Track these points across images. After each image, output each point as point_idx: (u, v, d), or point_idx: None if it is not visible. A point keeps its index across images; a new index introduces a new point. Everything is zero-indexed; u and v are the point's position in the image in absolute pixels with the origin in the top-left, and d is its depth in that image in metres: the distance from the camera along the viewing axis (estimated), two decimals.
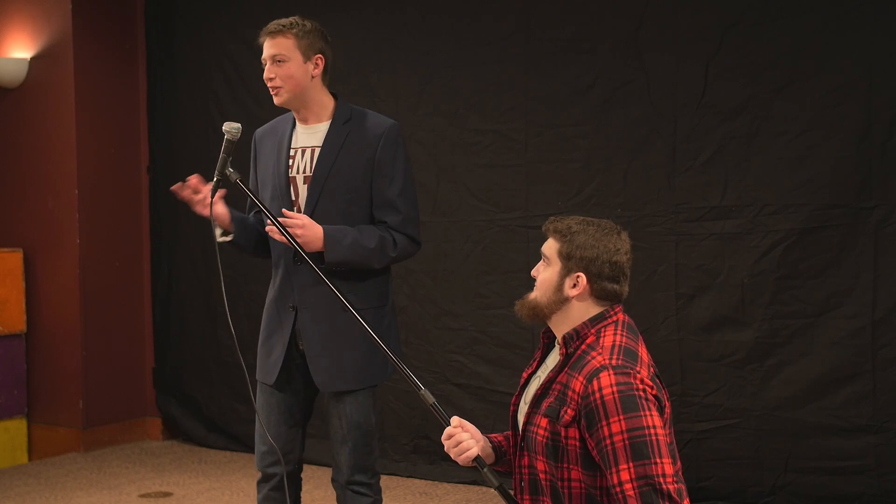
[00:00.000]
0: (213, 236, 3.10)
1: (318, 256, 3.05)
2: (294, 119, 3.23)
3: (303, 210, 3.14)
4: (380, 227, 3.13)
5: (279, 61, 3.10)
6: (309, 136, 3.19)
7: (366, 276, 3.13)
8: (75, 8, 5.68)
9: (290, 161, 3.18)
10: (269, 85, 3.14)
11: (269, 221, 3.00)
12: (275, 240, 3.15)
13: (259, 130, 3.34)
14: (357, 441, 3.15)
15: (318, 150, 3.15)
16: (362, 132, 3.14)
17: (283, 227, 2.98)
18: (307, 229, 3.02)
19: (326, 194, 3.11)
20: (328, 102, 3.19)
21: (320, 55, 3.16)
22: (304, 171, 3.15)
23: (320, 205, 3.12)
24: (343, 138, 3.13)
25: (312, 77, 3.15)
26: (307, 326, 3.14)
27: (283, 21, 3.13)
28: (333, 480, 3.23)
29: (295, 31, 3.11)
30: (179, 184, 3.08)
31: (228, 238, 3.16)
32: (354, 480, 3.16)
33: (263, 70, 3.15)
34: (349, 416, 3.14)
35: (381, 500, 3.25)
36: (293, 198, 3.16)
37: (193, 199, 3.07)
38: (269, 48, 3.12)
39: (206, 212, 3.05)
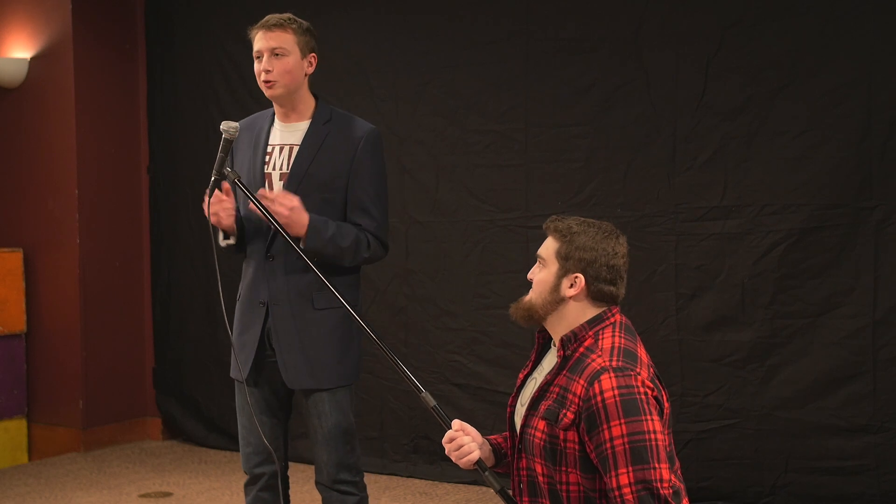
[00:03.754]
0: (213, 238, 3.11)
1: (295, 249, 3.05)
2: (273, 116, 3.24)
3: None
4: (358, 228, 3.14)
5: (278, 55, 3.11)
6: (288, 134, 3.19)
7: (338, 275, 3.11)
8: (75, 8, 5.68)
9: (267, 157, 3.18)
10: (263, 78, 3.13)
11: (252, 206, 3.01)
12: (249, 235, 3.17)
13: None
14: (338, 440, 3.14)
15: (296, 148, 3.15)
16: (342, 134, 3.15)
17: (281, 227, 2.99)
18: (294, 212, 3.01)
19: (302, 193, 3.10)
20: (311, 102, 3.21)
21: (314, 54, 3.19)
22: (280, 168, 3.16)
23: None
24: (322, 138, 3.14)
25: (306, 74, 3.17)
26: (277, 323, 3.13)
27: (282, 16, 3.15)
28: (317, 483, 3.22)
29: (294, 26, 3.14)
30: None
31: (231, 241, 3.17)
32: (339, 479, 3.15)
33: (255, 63, 3.14)
34: (328, 414, 3.14)
35: (366, 498, 3.23)
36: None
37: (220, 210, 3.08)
38: (267, 41, 3.12)
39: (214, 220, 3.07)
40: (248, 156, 3.21)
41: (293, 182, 3.11)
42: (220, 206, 3.08)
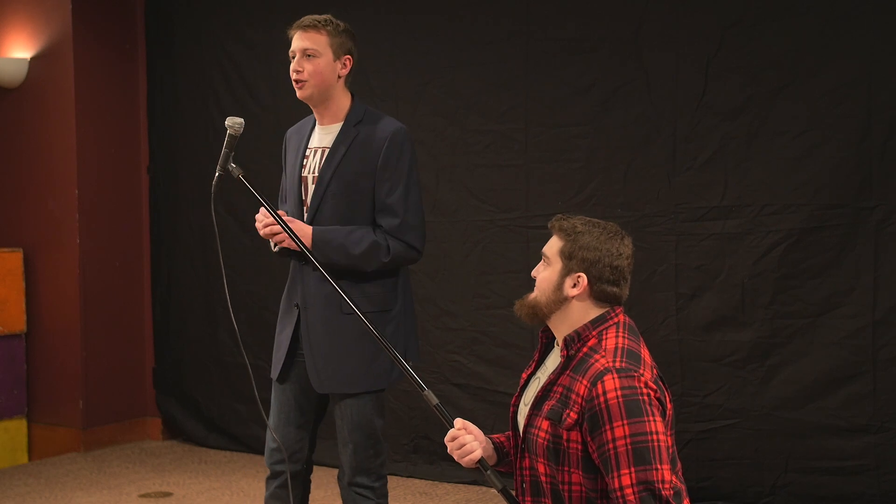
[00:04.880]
0: (211, 236, 3.13)
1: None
2: (315, 119, 3.25)
3: (308, 208, 3.16)
4: (377, 232, 3.13)
5: (310, 56, 3.11)
6: (323, 137, 3.21)
7: (368, 279, 3.13)
8: (75, 8, 5.68)
9: (305, 161, 3.21)
10: (294, 78, 3.14)
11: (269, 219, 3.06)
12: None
13: (289, 130, 3.39)
14: (358, 443, 3.15)
15: (327, 151, 3.16)
16: (370, 135, 3.15)
17: (286, 225, 3.02)
18: (294, 225, 3.06)
19: (329, 196, 3.13)
20: (346, 103, 3.20)
21: (349, 56, 3.18)
22: (313, 172, 3.18)
23: (323, 205, 3.14)
24: (351, 140, 3.15)
25: (339, 77, 3.17)
26: (307, 326, 3.16)
27: (318, 17, 3.14)
28: (339, 479, 3.25)
29: (329, 28, 3.13)
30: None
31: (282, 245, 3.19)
32: (356, 482, 3.17)
33: (291, 62, 3.15)
34: (350, 418, 3.15)
35: None
36: (303, 197, 3.20)
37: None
38: (300, 41, 3.13)
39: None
40: (292, 159, 3.25)
41: (321, 185, 3.13)
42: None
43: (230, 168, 3.00)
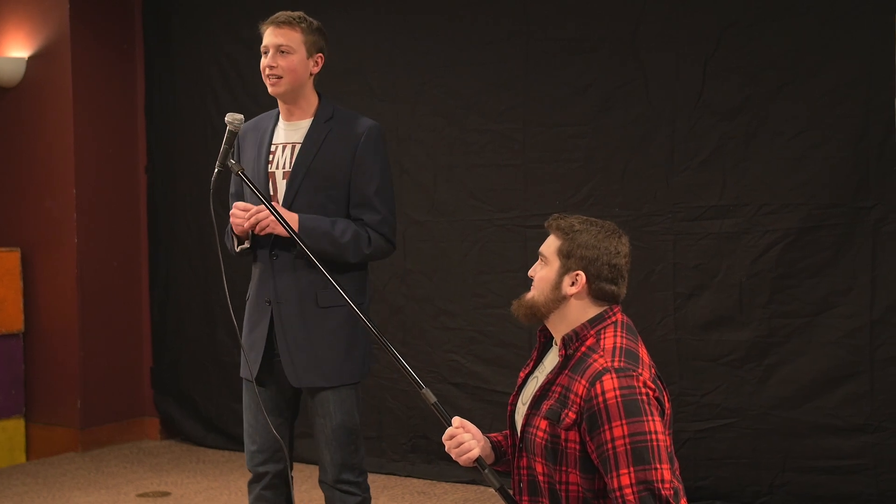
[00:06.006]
0: (209, 236, 3.12)
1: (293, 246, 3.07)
2: (277, 115, 3.26)
3: (281, 204, 3.16)
4: (357, 224, 3.15)
5: (284, 52, 3.12)
6: (291, 133, 3.21)
7: (341, 271, 3.12)
8: (73, 7, 5.67)
9: (271, 156, 3.20)
10: (267, 73, 3.14)
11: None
12: (255, 234, 3.16)
13: (243, 126, 3.35)
14: (342, 440, 3.15)
15: (298, 147, 3.16)
16: (344, 131, 3.16)
17: (281, 217, 3.01)
18: (282, 213, 3.04)
19: (304, 190, 3.13)
20: (315, 101, 3.22)
21: (321, 54, 3.20)
22: (283, 167, 3.17)
23: (297, 200, 3.14)
24: (324, 136, 3.16)
25: (311, 74, 3.18)
26: (281, 321, 3.15)
27: (293, 14, 3.16)
28: (321, 482, 3.23)
29: (304, 25, 3.15)
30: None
31: (246, 245, 3.18)
32: (342, 479, 3.16)
33: (262, 58, 3.15)
34: (332, 414, 3.15)
35: (369, 499, 3.25)
36: (271, 193, 3.19)
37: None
38: (275, 37, 3.13)
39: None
40: (253, 155, 3.23)
41: (295, 180, 3.13)
42: (243, 217, 3.10)
43: (229, 164, 3.01)
